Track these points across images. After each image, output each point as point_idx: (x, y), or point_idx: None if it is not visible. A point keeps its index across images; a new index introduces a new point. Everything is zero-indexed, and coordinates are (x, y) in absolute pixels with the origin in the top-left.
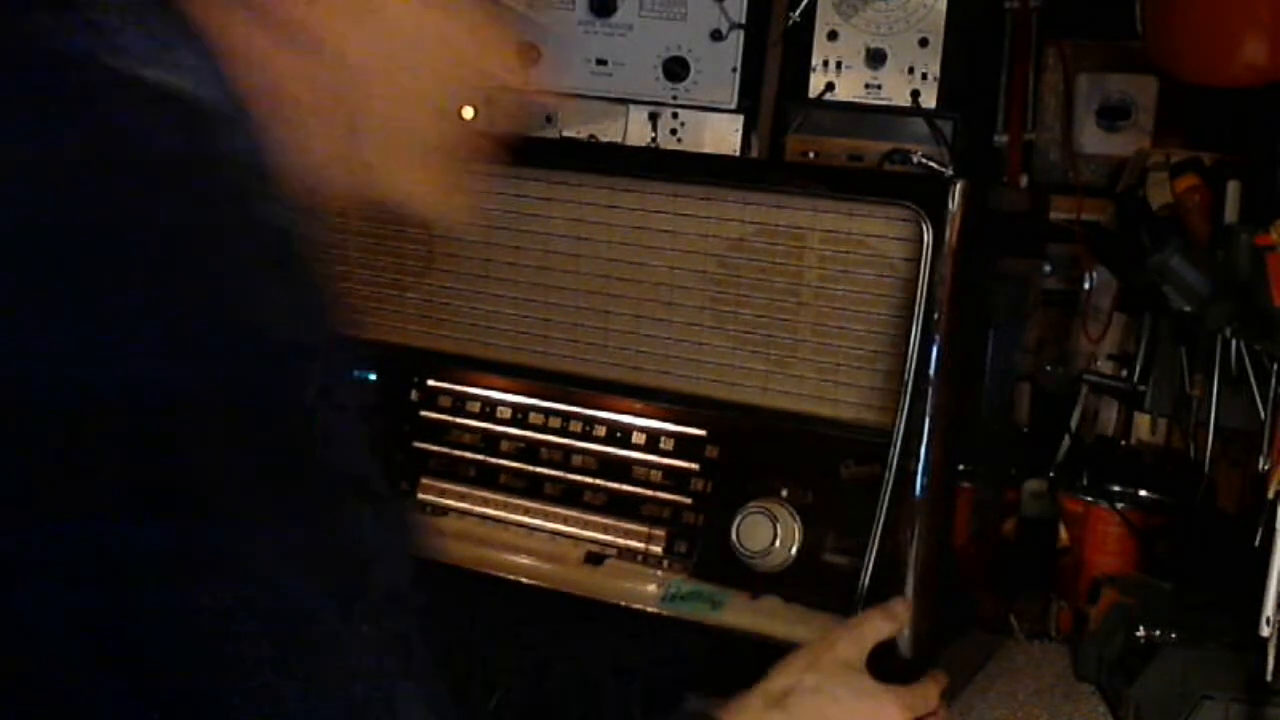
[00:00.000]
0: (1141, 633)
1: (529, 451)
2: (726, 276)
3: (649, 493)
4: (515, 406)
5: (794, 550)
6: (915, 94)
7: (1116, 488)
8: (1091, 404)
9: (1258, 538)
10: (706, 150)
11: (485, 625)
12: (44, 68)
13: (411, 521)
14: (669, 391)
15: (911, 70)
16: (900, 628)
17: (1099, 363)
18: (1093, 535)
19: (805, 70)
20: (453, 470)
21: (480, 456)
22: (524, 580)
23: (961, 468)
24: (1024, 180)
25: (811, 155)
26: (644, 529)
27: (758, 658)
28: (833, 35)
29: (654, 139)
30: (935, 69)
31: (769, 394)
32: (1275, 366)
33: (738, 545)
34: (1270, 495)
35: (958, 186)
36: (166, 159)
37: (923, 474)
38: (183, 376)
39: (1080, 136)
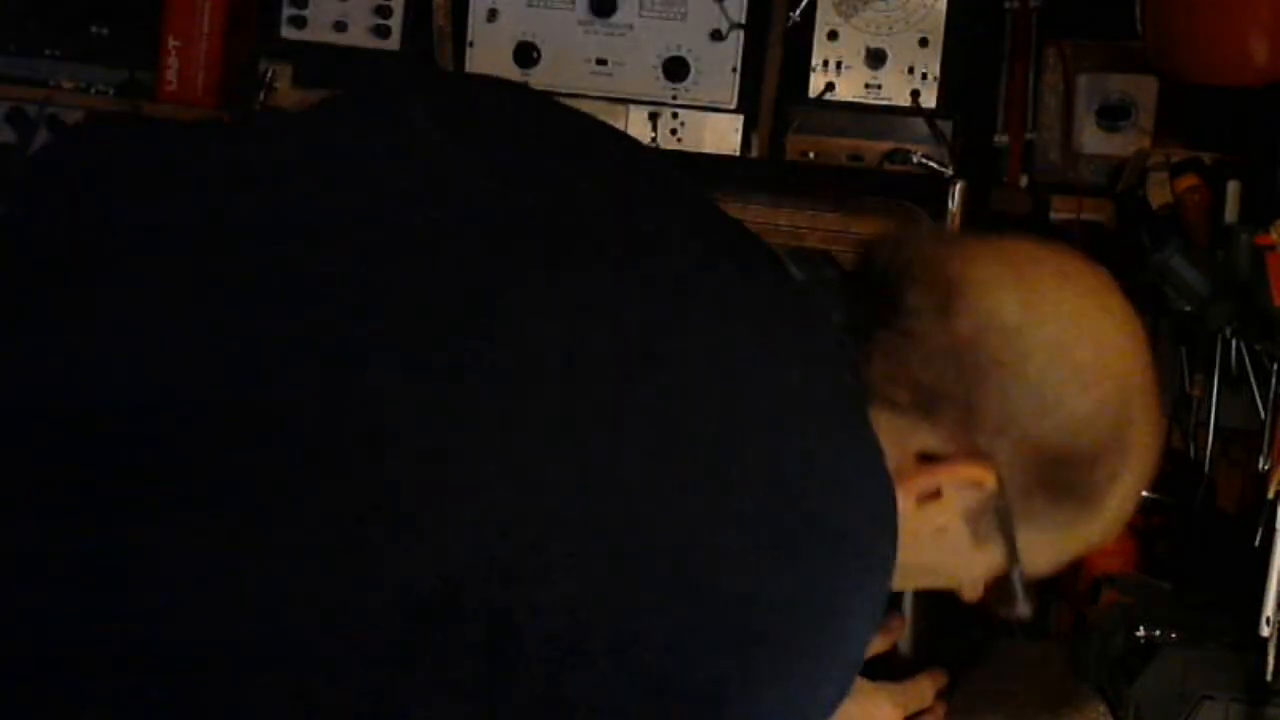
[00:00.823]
0: (1141, 633)
1: None
2: None
3: None
4: None
5: None
6: (915, 94)
7: None
8: None
9: (1258, 538)
10: (706, 150)
11: None
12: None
13: None
14: None
15: (911, 70)
16: (894, 640)
17: None
18: None
19: (805, 70)
20: None
21: None
22: None
23: None
24: (1024, 180)
25: (811, 155)
26: None
27: None
28: (833, 35)
29: (654, 139)
30: (935, 69)
31: None
32: (1275, 366)
33: None
34: (1270, 495)
35: (958, 186)
36: None
37: None
38: None
39: (1080, 136)
